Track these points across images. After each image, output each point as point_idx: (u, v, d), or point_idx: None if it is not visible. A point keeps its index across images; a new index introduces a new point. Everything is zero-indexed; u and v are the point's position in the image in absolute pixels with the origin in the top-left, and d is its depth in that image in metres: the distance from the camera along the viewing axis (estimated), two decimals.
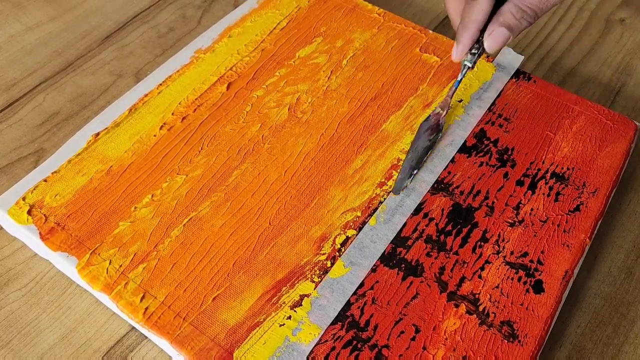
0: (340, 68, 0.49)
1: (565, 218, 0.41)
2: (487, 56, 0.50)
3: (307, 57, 0.50)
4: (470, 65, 0.41)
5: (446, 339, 0.35)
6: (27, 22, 0.55)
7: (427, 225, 0.40)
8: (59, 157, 0.42)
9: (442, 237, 0.40)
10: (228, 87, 0.47)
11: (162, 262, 0.37)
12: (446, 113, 0.41)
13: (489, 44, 0.39)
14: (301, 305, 0.36)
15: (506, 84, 0.48)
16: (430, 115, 0.39)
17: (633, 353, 0.38)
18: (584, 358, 0.38)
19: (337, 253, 0.38)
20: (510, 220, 0.41)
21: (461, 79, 0.41)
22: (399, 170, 0.40)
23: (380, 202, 0.41)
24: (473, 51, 0.40)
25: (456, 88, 0.42)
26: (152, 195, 0.40)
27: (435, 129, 0.39)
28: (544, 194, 0.42)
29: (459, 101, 0.47)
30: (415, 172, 0.39)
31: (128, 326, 0.38)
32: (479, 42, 0.40)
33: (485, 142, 0.45)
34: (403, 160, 0.40)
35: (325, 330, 0.35)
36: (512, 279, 0.38)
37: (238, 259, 0.38)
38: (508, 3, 0.39)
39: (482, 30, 0.40)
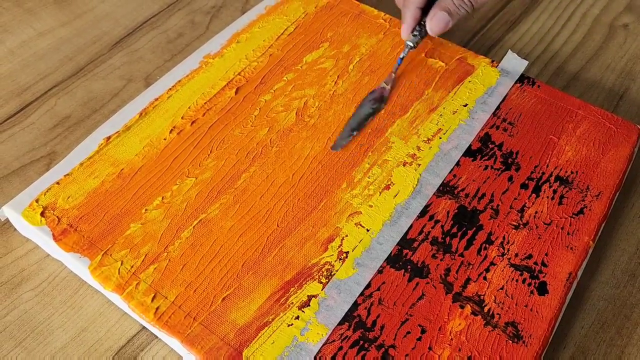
0: (346, 73, 0.50)
1: (569, 221, 0.41)
2: (492, 61, 0.51)
3: (314, 62, 0.50)
4: (412, 45, 0.46)
5: (452, 339, 0.36)
6: (38, 27, 0.56)
7: (432, 228, 0.41)
8: (71, 160, 0.43)
9: (447, 239, 0.40)
10: (236, 92, 0.48)
11: (173, 263, 0.38)
12: (390, 87, 0.45)
13: (430, 26, 0.44)
14: (309, 305, 0.37)
15: (510, 88, 0.49)
16: (376, 89, 0.44)
17: (636, 354, 0.39)
18: (588, 359, 0.38)
19: (344, 254, 0.39)
20: (514, 223, 0.41)
21: (403, 57, 0.46)
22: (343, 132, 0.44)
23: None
24: (415, 33, 0.45)
25: (399, 65, 0.46)
26: (162, 198, 0.41)
27: (379, 100, 0.44)
28: (548, 197, 0.43)
29: (463, 105, 0.48)
30: (354, 133, 0.43)
31: (139, 326, 0.39)
32: (421, 25, 0.45)
33: (490, 145, 0.45)
34: (345, 123, 0.44)
35: (333, 330, 0.36)
36: (517, 280, 0.38)
37: (247, 260, 0.39)
38: None
39: (425, 14, 0.45)
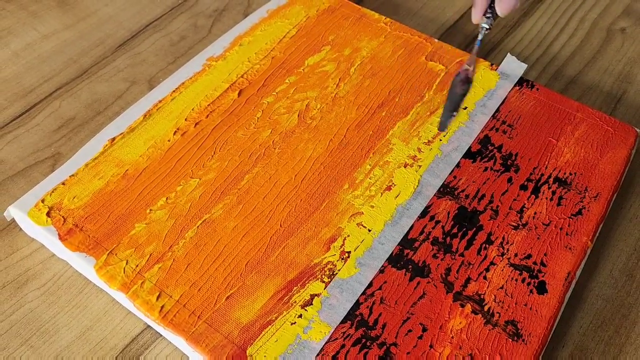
0: (348, 76, 0.50)
1: (567, 221, 0.42)
2: (492, 64, 0.52)
3: (315, 65, 0.51)
4: (487, 26, 0.45)
5: (452, 337, 0.36)
6: (43, 30, 0.57)
7: (433, 228, 0.41)
8: (76, 161, 0.43)
9: (448, 239, 0.41)
10: (239, 94, 0.48)
11: (177, 263, 0.39)
12: (474, 69, 0.45)
13: (500, 8, 0.44)
14: (312, 304, 0.37)
15: (510, 91, 0.50)
16: (460, 71, 0.44)
17: (634, 353, 0.39)
18: (586, 357, 0.39)
19: (346, 254, 0.40)
20: (514, 224, 0.42)
21: (481, 39, 0.45)
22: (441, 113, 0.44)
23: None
24: (487, 15, 0.45)
25: (479, 47, 0.45)
26: (166, 198, 0.42)
27: (465, 81, 0.44)
28: (547, 198, 0.43)
29: (464, 108, 0.48)
30: (454, 113, 0.43)
31: (143, 325, 0.39)
32: (492, 7, 0.45)
33: (490, 147, 0.46)
34: (443, 106, 0.44)
35: (335, 329, 0.36)
36: (516, 280, 0.39)
37: (250, 260, 0.39)
38: None
39: None
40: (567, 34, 0.60)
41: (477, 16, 0.46)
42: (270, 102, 0.48)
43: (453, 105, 0.44)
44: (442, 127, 0.44)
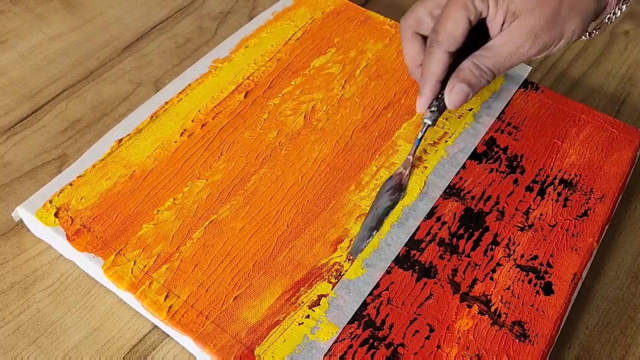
0: (353, 77, 0.51)
1: (573, 223, 0.42)
2: None
3: (321, 67, 0.51)
4: (430, 122, 0.41)
5: (459, 338, 0.37)
6: (49, 32, 0.57)
7: (439, 229, 0.41)
8: (83, 162, 0.44)
9: (454, 240, 0.41)
10: (246, 96, 0.49)
11: (185, 263, 0.39)
12: (409, 172, 0.41)
13: (449, 99, 0.39)
14: (319, 305, 0.37)
15: (515, 93, 0.50)
16: (393, 175, 0.40)
17: None
18: (593, 358, 0.39)
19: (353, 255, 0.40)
20: (520, 225, 0.42)
21: (421, 137, 0.42)
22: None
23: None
24: (432, 109, 0.41)
25: (417, 147, 0.42)
26: (174, 199, 0.42)
27: (397, 189, 0.40)
28: (552, 199, 0.43)
29: (469, 109, 0.48)
30: (374, 233, 0.40)
31: (150, 325, 0.39)
32: (439, 99, 0.41)
33: (495, 149, 0.46)
34: (363, 221, 0.40)
35: (343, 329, 0.37)
36: (523, 281, 0.39)
37: (257, 260, 0.39)
38: (467, 60, 0.39)
39: (443, 87, 0.40)
40: None
41: (422, 106, 0.40)
42: (276, 103, 0.48)
43: (374, 221, 0.39)
44: (354, 251, 0.39)
